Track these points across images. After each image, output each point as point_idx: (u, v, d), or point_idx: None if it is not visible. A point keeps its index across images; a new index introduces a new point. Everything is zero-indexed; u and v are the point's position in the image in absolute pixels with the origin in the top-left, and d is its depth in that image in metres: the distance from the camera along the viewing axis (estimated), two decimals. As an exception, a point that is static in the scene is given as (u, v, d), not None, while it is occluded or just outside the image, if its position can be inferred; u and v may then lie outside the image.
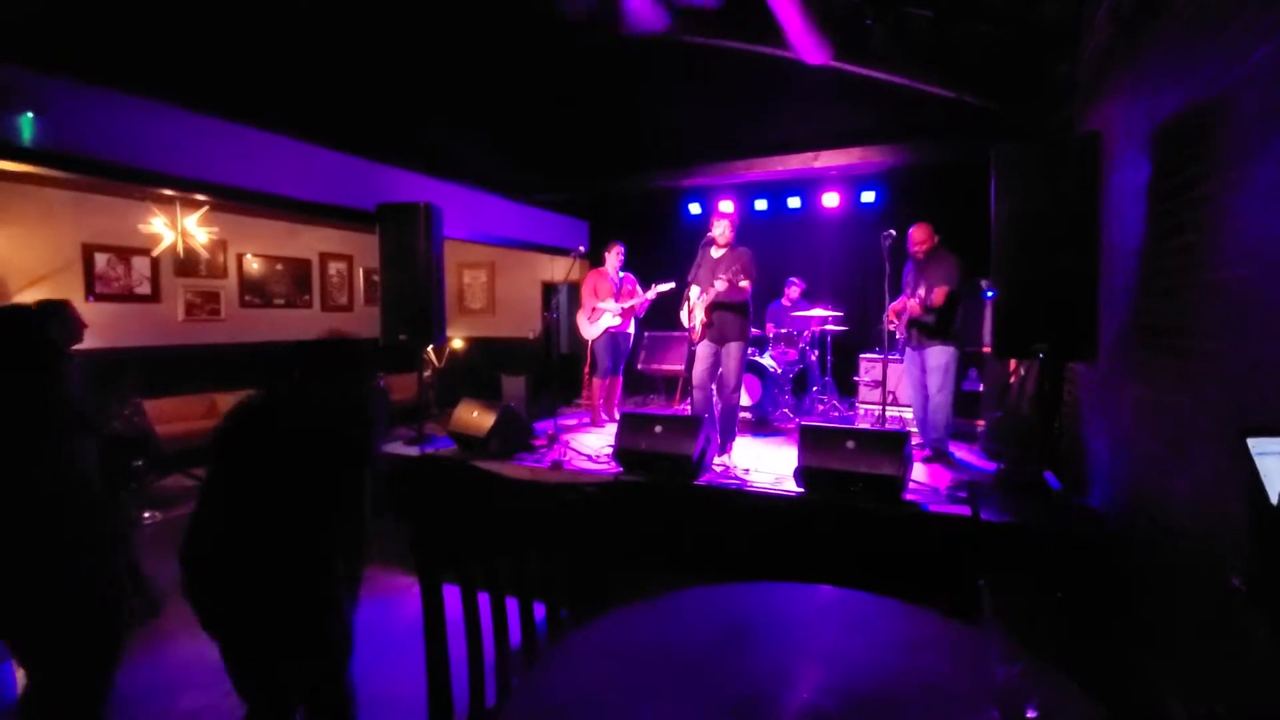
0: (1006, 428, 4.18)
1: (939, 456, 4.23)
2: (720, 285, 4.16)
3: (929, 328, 4.21)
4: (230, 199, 5.16)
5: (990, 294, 5.43)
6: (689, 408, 6.00)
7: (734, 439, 4.43)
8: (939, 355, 4.20)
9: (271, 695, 1.81)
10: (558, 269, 9.14)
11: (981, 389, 5.30)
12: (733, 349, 4.26)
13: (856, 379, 5.90)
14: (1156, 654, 2.39)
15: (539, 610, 1.58)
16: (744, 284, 4.17)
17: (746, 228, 4.72)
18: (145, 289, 6.39)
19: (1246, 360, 1.85)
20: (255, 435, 1.78)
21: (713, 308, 4.27)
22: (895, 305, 4.43)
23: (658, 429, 3.85)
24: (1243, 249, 1.88)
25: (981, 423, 4.72)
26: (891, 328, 4.45)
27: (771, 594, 1.42)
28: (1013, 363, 4.94)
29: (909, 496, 3.36)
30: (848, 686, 1.07)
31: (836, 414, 5.84)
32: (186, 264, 6.59)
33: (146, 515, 4.80)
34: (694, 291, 4.46)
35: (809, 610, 1.38)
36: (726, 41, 4.33)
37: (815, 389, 6.05)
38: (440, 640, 1.38)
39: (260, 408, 1.83)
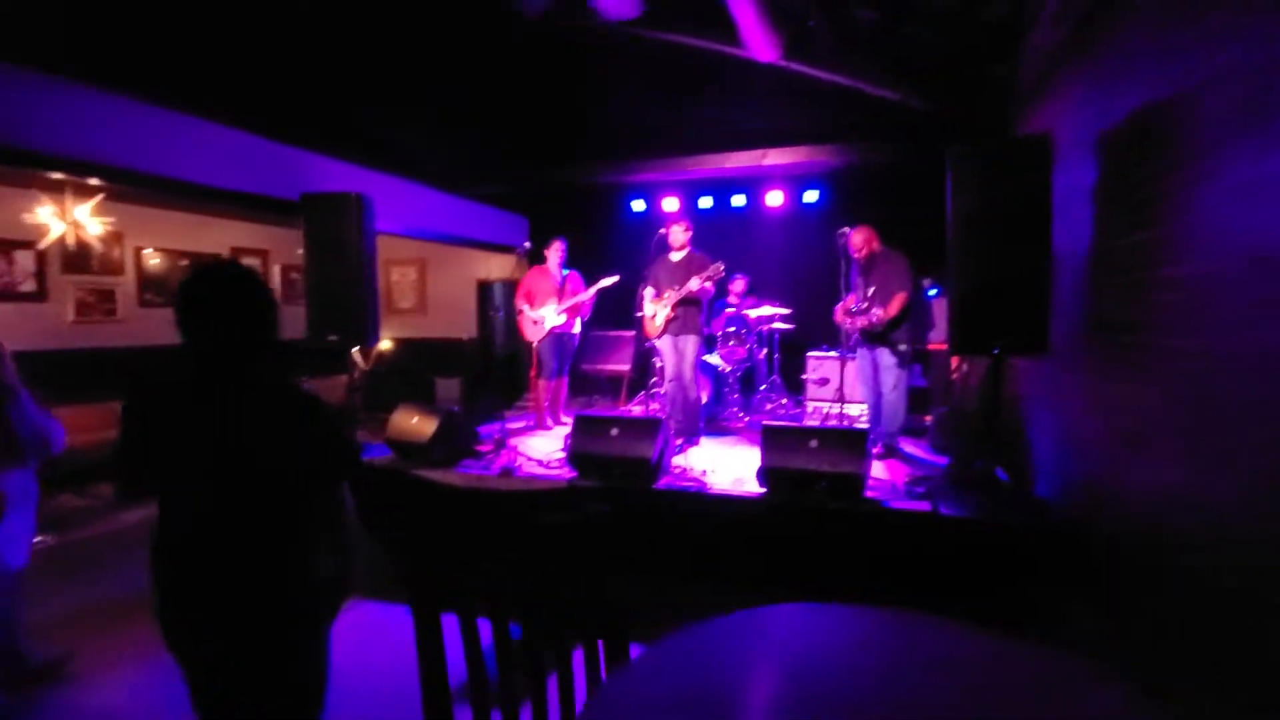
0: (953, 423, 4.28)
1: (891, 452, 4.27)
2: (694, 284, 4.45)
3: (882, 331, 4.25)
4: (129, 184, 4.62)
5: (933, 292, 5.58)
6: (634, 408, 5.92)
7: (701, 434, 4.62)
8: (892, 354, 4.24)
9: None
10: (494, 266, 8.82)
11: (927, 385, 5.43)
12: (690, 340, 4.54)
13: (804, 377, 5.93)
14: (1118, 642, 2.44)
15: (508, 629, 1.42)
16: (708, 284, 4.55)
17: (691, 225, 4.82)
18: (30, 286, 5.74)
19: (1213, 355, 1.88)
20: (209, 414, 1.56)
21: (678, 304, 4.53)
22: (845, 304, 4.45)
23: (614, 431, 3.71)
24: (1208, 244, 1.92)
25: (929, 418, 4.82)
26: (846, 325, 4.46)
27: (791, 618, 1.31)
28: (955, 359, 5.08)
29: (869, 494, 3.36)
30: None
31: (784, 411, 5.86)
32: (78, 259, 5.94)
33: (38, 539, 4.24)
34: (649, 293, 4.67)
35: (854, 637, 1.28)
36: (676, 35, 4.22)
37: (763, 387, 6.05)
38: (441, 676, 1.20)
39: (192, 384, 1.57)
